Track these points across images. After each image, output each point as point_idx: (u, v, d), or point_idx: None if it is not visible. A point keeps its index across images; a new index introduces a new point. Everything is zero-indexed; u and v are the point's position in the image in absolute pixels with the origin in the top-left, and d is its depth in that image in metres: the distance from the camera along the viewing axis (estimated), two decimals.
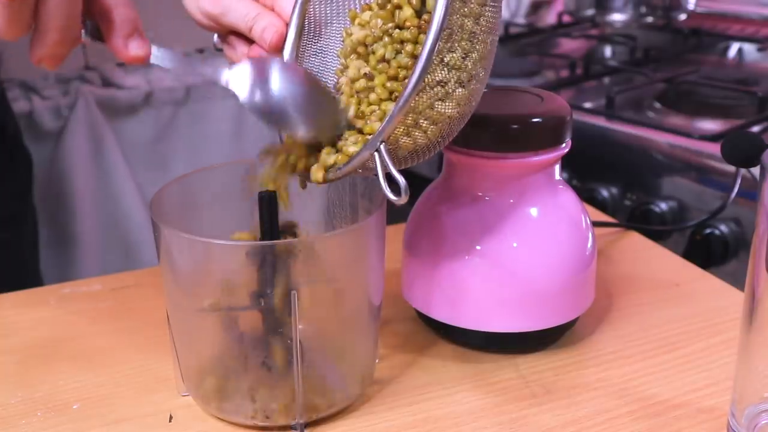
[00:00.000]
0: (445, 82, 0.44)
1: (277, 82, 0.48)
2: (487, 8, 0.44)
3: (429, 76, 0.43)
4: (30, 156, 1.01)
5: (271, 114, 0.48)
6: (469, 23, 0.43)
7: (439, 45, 0.42)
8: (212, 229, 0.52)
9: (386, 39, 0.49)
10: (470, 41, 0.44)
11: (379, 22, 0.49)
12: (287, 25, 0.53)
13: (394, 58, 0.48)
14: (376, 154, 0.44)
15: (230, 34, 0.55)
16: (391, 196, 0.43)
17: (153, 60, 0.48)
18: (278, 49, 0.52)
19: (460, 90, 0.44)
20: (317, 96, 0.50)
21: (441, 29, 0.42)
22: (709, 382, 0.54)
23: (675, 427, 0.50)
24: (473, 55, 0.44)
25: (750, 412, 0.46)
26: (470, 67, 0.44)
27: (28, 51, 0.45)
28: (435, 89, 0.44)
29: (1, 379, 0.56)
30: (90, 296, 0.66)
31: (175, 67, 0.49)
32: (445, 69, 0.43)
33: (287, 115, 0.49)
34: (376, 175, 0.44)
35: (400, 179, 0.43)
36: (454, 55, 0.43)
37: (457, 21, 0.43)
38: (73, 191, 1.31)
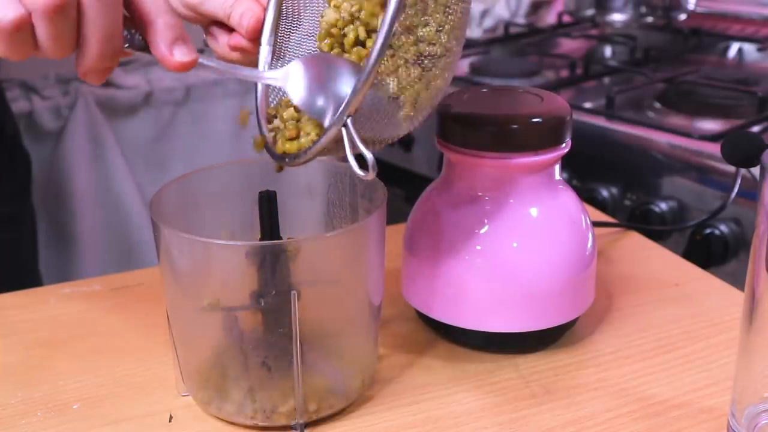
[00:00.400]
0: (419, 56, 0.43)
1: (337, 81, 0.46)
2: None
3: (401, 51, 0.42)
4: (29, 156, 1.01)
5: (327, 113, 0.46)
6: None
7: (413, 20, 0.42)
8: (212, 229, 0.52)
9: (356, 22, 0.49)
10: (444, 13, 0.43)
11: (348, 5, 0.49)
12: (265, 10, 0.52)
13: (369, 37, 0.48)
14: (343, 129, 0.43)
15: (212, 24, 0.55)
16: (359, 172, 0.43)
17: (199, 63, 0.46)
18: (256, 34, 0.52)
19: (433, 63, 0.44)
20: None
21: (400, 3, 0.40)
22: (709, 382, 0.54)
23: (675, 427, 0.50)
24: (446, 27, 0.44)
25: (750, 412, 0.46)
26: (444, 40, 0.44)
27: None
28: (408, 64, 0.43)
29: (1, 379, 0.56)
30: (90, 296, 0.66)
31: (217, 70, 0.48)
32: (417, 43, 0.43)
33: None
34: (345, 151, 0.43)
35: (368, 154, 0.43)
36: (428, 29, 0.43)
37: None
38: (73, 191, 1.31)
